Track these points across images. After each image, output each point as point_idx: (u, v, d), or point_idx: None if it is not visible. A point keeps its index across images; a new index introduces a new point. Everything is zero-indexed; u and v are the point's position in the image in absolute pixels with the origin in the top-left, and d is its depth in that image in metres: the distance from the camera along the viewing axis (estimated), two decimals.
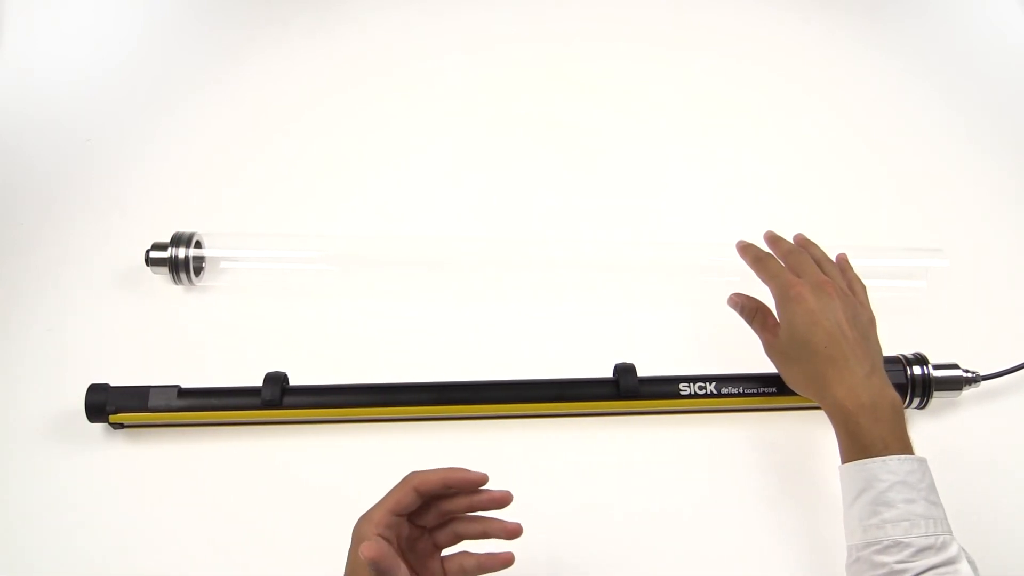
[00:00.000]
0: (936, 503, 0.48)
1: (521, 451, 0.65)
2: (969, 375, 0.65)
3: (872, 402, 0.50)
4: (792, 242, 0.62)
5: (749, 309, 0.61)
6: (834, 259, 0.61)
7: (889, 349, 0.66)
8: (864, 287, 0.59)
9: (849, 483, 0.49)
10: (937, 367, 0.64)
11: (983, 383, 0.65)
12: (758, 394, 0.64)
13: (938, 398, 0.64)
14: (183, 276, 0.71)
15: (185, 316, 0.73)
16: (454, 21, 0.98)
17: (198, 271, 0.72)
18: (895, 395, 0.51)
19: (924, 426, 0.66)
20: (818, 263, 0.58)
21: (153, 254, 0.71)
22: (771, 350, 0.59)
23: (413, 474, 0.46)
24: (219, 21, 0.99)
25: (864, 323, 0.55)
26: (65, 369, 0.69)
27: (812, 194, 0.82)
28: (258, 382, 0.64)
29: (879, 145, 0.86)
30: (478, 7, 0.99)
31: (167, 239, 0.71)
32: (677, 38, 0.96)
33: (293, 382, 0.65)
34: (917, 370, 0.64)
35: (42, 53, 0.95)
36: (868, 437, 0.49)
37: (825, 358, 0.53)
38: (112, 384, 0.63)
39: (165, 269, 0.71)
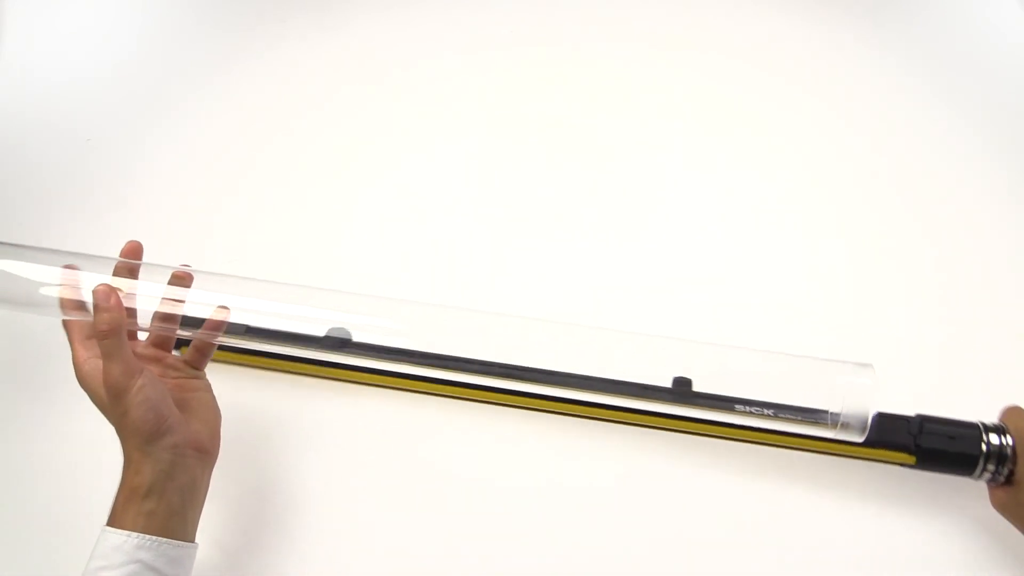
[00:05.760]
0: None
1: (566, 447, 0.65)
2: None
3: None
4: None
5: None
6: None
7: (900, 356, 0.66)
8: None
9: None
10: None
11: None
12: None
13: None
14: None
15: None
16: (455, 23, 0.98)
17: None
18: None
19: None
20: None
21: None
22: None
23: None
24: (219, 21, 0.99)
25: None
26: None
27: (813, 193, 0.82)
28: None
29: (879, 144, 0.86)
30: (480, 7, 0.98)
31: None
32: (678, 39, 0.96)
33: None
34: (995, 439, 0.55)
35: (42, 53, 0.95)
36: None
37: None
38: None
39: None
